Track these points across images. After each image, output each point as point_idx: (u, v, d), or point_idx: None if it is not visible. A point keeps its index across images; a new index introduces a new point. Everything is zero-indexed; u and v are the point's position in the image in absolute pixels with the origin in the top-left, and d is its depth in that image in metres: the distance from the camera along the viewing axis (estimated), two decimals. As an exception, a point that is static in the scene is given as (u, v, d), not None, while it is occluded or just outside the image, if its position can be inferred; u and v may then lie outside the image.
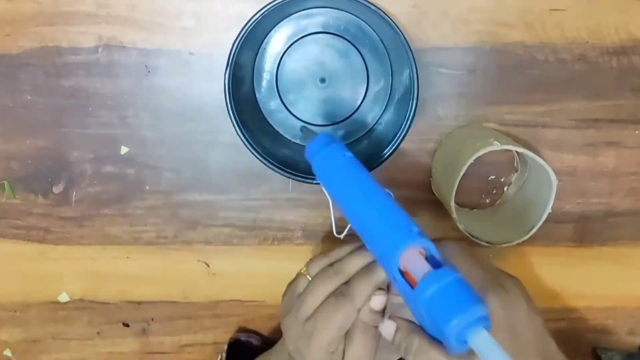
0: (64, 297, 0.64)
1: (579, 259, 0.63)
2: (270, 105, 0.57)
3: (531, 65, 0.57)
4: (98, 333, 0.65)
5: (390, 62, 0.55)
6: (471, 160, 0.51)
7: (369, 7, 0.49)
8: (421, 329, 0.38)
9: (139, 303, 0.64)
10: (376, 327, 0.43)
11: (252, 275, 0.63)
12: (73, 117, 0.58)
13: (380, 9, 0.49)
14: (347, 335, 0.44)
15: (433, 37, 0.56)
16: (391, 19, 0.49)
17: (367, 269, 0.44)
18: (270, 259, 0.63)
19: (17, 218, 0.61)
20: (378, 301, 0.43)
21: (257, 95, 0.57)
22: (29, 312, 0.65)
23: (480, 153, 0.51)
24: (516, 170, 0.61)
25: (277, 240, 0.63)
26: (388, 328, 0.41)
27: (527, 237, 0.55)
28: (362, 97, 0.57)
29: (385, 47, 0.55)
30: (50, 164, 0.59)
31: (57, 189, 0.60)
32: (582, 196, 0.61)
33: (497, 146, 0.51)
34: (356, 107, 0.57)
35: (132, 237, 0.62)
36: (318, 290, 0.45)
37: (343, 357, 0.44)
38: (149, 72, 0.57)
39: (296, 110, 0.57)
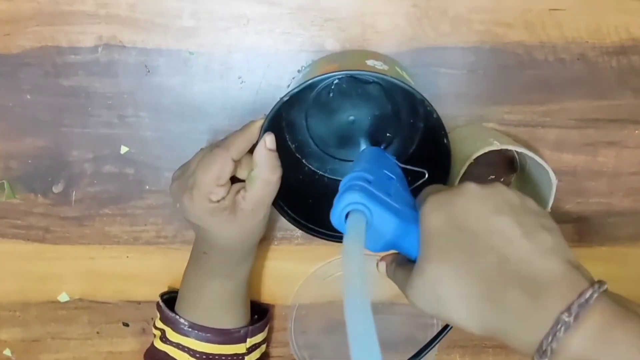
0: (63, 297, 0.64)
1: (579, 258, 0.62)
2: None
3: (531, 65, 0.57)
4: (98, 333, 0.65)
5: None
6: (471, 160, 0.51)
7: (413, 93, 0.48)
8: (400, 257, 0.43)
9: (139, 303, 0.64)
10: (276, 167, 0.49)
11: (252, 275, 0.63)
12: (73, 117, 0.58)
13: (420, 93, 0.47)
14: (247, 180, 0.50)
15: (433, 37, 0.56)
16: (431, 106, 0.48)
17: (241, 128, 0.50)
18: (270, 259, 0.63)
19: (17, 218, 0.61)
20: (269, 139, 0.49)
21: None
22: (29, 311, 0.65)
23: (480, 153, 0.51)
24: (516, 170, 0.61)
25: (277, 240, 0.63)
26: (381, 267, 0.45)
27: (526, 237, 0.55)
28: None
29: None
30: (50, 163, 0.59)
31: (57, 189, 0.60)
32: (581, 196, 0.61)
33: (497, 146, 0.51)
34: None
35: (132, 236, 0.62)
36: (200, 153, 0.51)
37: (237, 205, 0.49)
38: (148, 71, 0.57)
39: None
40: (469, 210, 0.37)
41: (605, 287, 0.34)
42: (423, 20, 0.56)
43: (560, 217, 0.61)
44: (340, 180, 0.42)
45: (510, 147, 0.52)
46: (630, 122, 0.59)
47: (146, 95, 0.58)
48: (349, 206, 0.38)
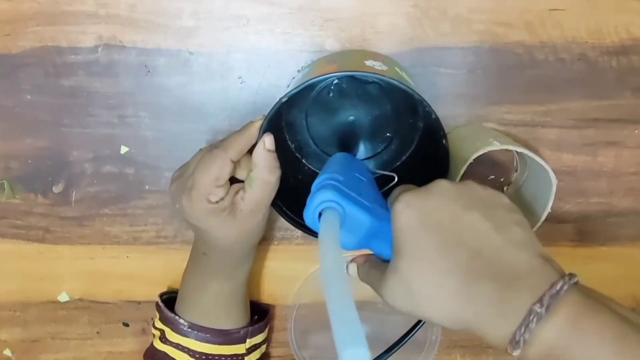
0: (63, 297, 0.64)
1: (579, 258, 0.63)
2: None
3: (531, 65, 0.57)
4: (98, 333, 0.65)
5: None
6: (471, 160, 0.51)
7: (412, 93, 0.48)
8: (373, 257, 0.43)
9: (139, 303, 0.64)
10: (275, 167, 0.49)
11: (251, 275, 0.63)
12: (73, 117, 0.58)
13: (419, 95, 0.47)
14: (247, 181, 0.49)
15: (433, 37, 0.56)
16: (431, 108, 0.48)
17: (241, 128, 0.50)
18: (269, 259, 0.63)
19: (17, 218, 0.61)
20: (268, 140, 0.49)
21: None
22: (29, 311, 0.65)
23: (480, 153, 0.51)
24: (516, 170, 0.61)
25: (277, 240, 0.63)
26: (352, 269, 0.44)
27: (526, 237, 0.55)
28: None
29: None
30: (50, 163, 0.59)
31: (57, 189, 0.60)
32: (581, 196, 0.61)
33: (496, 146, 0.51)
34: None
35: (132, 236, 0.62)
36: (199, 154, 0.51)
37: (236, 206, 0.49)
38: (148, 71, 0.57)
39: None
40: (440, 207, 0.38)
41: (575, 279, 0.35)
42: (423, 20, 0.56)
43: (560, 217, 0.61)
44: None
45: (510, 147, 0.52)
46: (630, 122, 0.59)
47: (146, 95, 0.58)
48: (322, 204, 0.39)
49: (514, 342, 0.33)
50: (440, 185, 0.39)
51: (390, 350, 0.45)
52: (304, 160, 0.58)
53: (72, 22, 0.55)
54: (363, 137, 0.56)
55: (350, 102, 0.55)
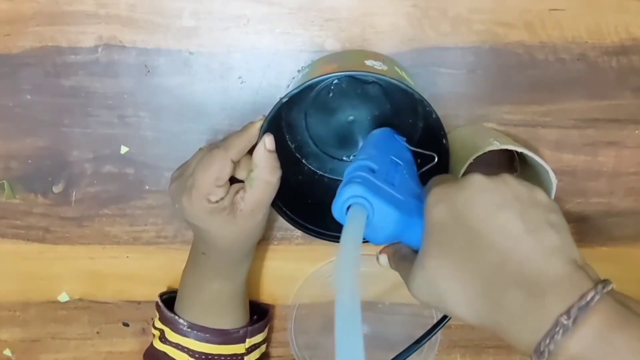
0: (63, 297, 0.64)
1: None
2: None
3: (531, 65, 0.57)
4: (98, 333, 0.65)
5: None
6: (471, 160, 0.51)
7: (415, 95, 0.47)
8: (404, 248, 0.41)
9: (139, 303, 0.64)
10: (275, 168, 0.49)
11: (251, 275, 0.63)
12: (73, 117, 0.58)
13: (422, 96, 0.47)
14: (247, 181, 0.49)
15: (433, 37, 0.56)
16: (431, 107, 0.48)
17: (241, 129, 0.50)
18: (269, 259, 0.63)
19: (17, 218, 0.61)
20: (268, 140, 0.49)
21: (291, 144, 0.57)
22: (29, 311, 0.65)
23: (480, 153, 0.51)
24: (516, 170, 0.61)
25: (277, 240, 0.63)
26: (383, 260, 0.43)
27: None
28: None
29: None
30: (50, 163, 0.59)
31: (57, 189, 0.60)
32: (581, 196, 0.61)
33: (497, 146, 0.51)
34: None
35: (132, 236, 0.62)
36: (199, 153, 0.51)
37: (236, 205, 0.49)
38: (148, 71, 0.57)
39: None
40: (473, 204, 0.36)
41: (610, 287, 0.33)
42: (423, 20, 0.56)
43: (560, 217, 0.61)
44: (340, 181, 0.42)
45: (510, 147, 0.52)
46: (630, 122, 0.59)
47: (146, 95, 0.58)
48: (350, 199, 0.38)
49: (539, 352, 0.32)
50: (475, 179, 0.37)
51: (418, 342, 0.44)
52: (304, 161, 0.58)
53: (72, 22, 0.55)
54: (363, 138, 0.56)
55: (350, 102, 0.55)
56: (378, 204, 0.38)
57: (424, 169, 0.49)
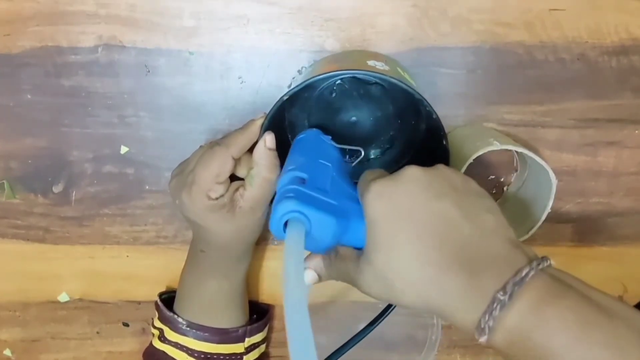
0: (63, 297, 0.64)
1: (579, 258, 0.63)
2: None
3: (531, 65, 0.57)
4: (98, 333, 0.65)
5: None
6: (471, 160, 0.51)
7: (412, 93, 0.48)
8: (341, 250, 0.41)
9: (139, 303, 0.64)
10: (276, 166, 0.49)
11: (251, 275, 0.63)
12: (73, 117, 0.58)
13: (421, 95, 0.47)
14: (247, 178, 0.50)
15: (433, 37, 0.56)
16: (432, 108, 0.48)
17: (242, 126, 0.50)
18: (269, 259, 0.63)
19: (17, 218, 0.61)
20: (269, 138, 0.49)
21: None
22: (29, 311, 0.65)
23: (480, 153, 0.51)
24: (516, 170, 0.61)
25: (277, 240, 0.63)
26: (309, 277, 0.42)
27: (526, 236, 0.55)
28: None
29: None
30: (50, 163, 0.59)
31: (57, 189, 0.60)
32: (581, 196, 0.61)
33: (496, 146, 0.51)
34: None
35: (132, 236, 0.62)
36: (200, 150, 0.51)
37: (236, 203, 0.50)
38: (148, 71, 0.57)
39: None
40: (411, 196, 0.38)
41: (546, 263, 0.35)
42: (423, 20, 0.56)
43: (560, 217, 0.61)
44: None
45: (510, 147, 0.52)
46: (630, 122, 0.59)
47: (146, 95, 0.58)
48: (285, 215, 0.38)
49: (480, 329, 0.33)
50: (411, 173, 0.39)
51: (360, 334, 0.45)
52: None
53: (72, 22, 0.55)
54: (365, 139, 0.56)
55: (353, 103, 0.55)
56: (313, 214, 0.38)
57: (354, 163, 0.51)
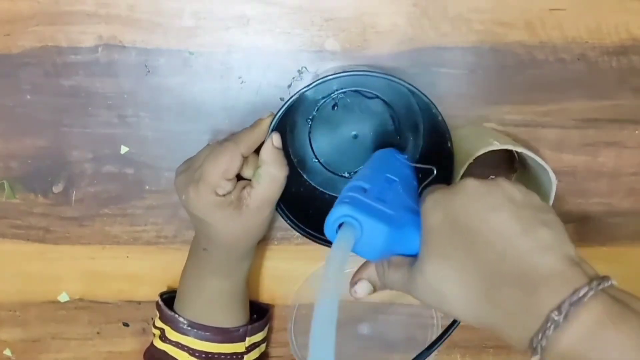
0: (63, 297, 0.64)
1: (579, 258, 0.63)
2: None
3: (531, 65, 0.57)
4: (98, 333, 0.65)
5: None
6: (471, 160, 0.51)
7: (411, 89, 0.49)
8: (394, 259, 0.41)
9: (139, 303, 0.64)
10: (282, 165, 0.50)
11: (251, 275, 0.63)
12: (73, 117, 0.58)
13: (419, 90, 0.48)
14: (254, 177, 0.50)
15: (433, 37, 0.56)
16: (434, 105, 0.49)
17: (252, 125, 0.51)
18: (269, 259, 0.63)
19: (17, 218, 0.61)
20: (276, 137, 0.50)
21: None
22: (29, 311, 0.65)
23: (480, 153, 0.51)
24: (516, 170, 0.61)
25: (277, 240, 0.63)
26: (362, 289, 0.42)
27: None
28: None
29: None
30: (50, 163, 0.59)
31: (57, 189, 0.60)
32: (581, 196, 0.61)
33: (497, 146, 0.51)
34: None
35: (132, 236, 0.62)
36: (207, 148, 0.51)
37: (242, 201, 0.50)
38: (148, 71, 0.57)
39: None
40: (467, 208, 0.37)
41: (607, 283, 0.33)
42: (423, 20, 0.56)
43: (561, 217, 0.61)
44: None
45: (510, 147, 0.52)
46: (630, 122, 0.59)
47: (146, 95, 0.58)
48: (339, 219, 0.39)
49: (532, 348, 0.33)
50: (468, 184, 0.38)
51: (429, 348, 0.45)
52: (305, 176, 0.58)
53: (72, 22, 0.55)
54: (365, 154, 0.57)
55: (354, 117, 0.56)
56: (367, 220, 0.39)
57: (426, 182, 0.50)
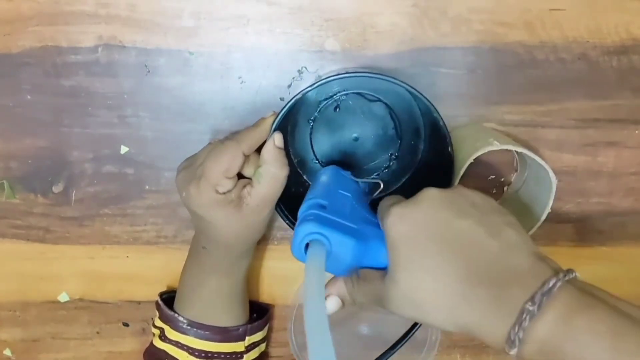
0: (63, 297, 0.64)
1: (579, 258, 0.63)
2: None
3: (531, 65, 0.57)
4: (98, 333, 0.65)
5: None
6: (471, 160, 0.51)
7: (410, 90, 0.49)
8: (364, 272, 0.41)
9: (139, 303, 0.64)
10: (283, 166, 0.50)
11: (251, 275, 0.63)
12: (73, 117, 0.58)
13: (418, 91, 0.49)
14: (255, 176, 0.50)
15: (433, 37, 0.56)
16: (432, 105, 0.49)
17: (254, 124, 0.51)
18: (269, 259, 0.63)
19: (17, 218, 0.61)
20: (278, 137, 0.50)
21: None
22: (29, 311, 0.65)
23: (480, 153, 0.51)
24: (516, 170, 0.61)
25: (277, 240, 0.63)
26: (332, 304, 0.42)
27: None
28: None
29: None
30: (50, 163, 0.60)
31: (57, 189, 0.60)
32: (581, 196, 0.61)
33: (496, 146, 0.51)
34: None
35: (132, 236, 0.62)
36: (209, 146, 0.51)
37: (243, 200, 0.50)
38: (148, 71, 0.57)
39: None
40: (432, 216, 0.38)
41: (572, 275, 0.35)
42: (423, 20, 0.56)
43: (560, 217, 0.61)
44: None
45: (510, 147, 0.52)
46: (630, 122, 0.59)
47: (146, 95, 0.58)
48: (307, 237, 0.39)
49: (510, 342, 0.34)
50: (430, 194, 0.40)
51: (389, 351, 0.45)
52: (305, 177, 0.58)
53: (72, 22, 0.55)
54: (366, 156, 0.57)
55: (356, 120, 0.56)
56: (333, 235, 0.39)
57: (375, 195, 0.52)
